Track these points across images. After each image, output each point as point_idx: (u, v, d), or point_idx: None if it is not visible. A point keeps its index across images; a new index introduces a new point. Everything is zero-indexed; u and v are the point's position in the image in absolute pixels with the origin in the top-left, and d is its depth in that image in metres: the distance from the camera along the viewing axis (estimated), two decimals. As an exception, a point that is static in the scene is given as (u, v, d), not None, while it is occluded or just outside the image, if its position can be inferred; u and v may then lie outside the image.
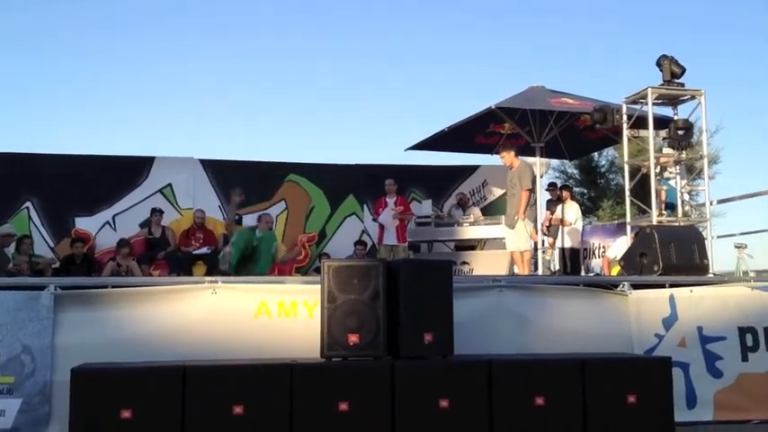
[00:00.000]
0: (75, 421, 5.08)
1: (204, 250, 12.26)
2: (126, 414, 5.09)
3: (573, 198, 13.40)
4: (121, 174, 13.24)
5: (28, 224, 12.68)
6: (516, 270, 10.59)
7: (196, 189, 13.53)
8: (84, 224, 12.94)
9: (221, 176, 13.70)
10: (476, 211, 13.53)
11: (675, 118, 10.57)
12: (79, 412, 5.09)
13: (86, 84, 33.78)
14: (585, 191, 24.03)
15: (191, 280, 6.80)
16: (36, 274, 10.68)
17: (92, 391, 5.13)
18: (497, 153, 12.97)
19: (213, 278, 6.53)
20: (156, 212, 12.74)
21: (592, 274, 12.19)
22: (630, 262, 8.00)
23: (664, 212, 10.62)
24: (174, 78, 35.19)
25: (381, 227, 12.39)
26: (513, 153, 10.35)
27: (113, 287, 6.35)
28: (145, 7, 33.64)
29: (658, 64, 10.25)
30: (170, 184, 13.44)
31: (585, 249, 13.28)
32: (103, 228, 13.03)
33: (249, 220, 13.07)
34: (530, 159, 13.36)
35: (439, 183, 14.78)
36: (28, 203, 12.81)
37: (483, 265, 11.97)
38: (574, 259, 12.47)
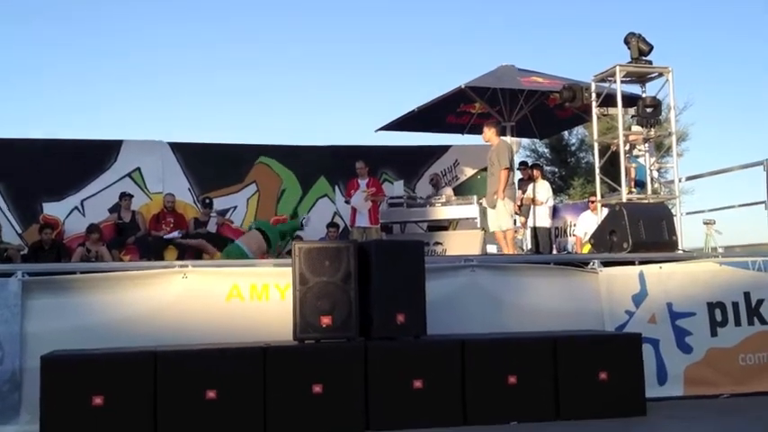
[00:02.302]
0: (47, 409, 5.05)
1: (175, 234, 12.15)
2: (98, 401, 5.07)
3: (544, 177, 13.47)
4: (89, 158, 13.05)
5: (-5, 210, 12.50)
6: (497, 249, 10.58)
7: (165, 173, 13.38)
8: (52, 210, 12.75)
9: (191, 159, 13.57)
10: (448, 191, 13.54)
11: (644, 95, 10.62)
12: (50, 400, 5.05)
13: (53, 68, 33.33)
14: (556, 169, 24.21)
15: (161, 264, 6.74)
16: (4, 262, 10.54)
17: (62, 379, 5.09)
18: (476, 132, 12.96)
19: (184, 262, 6.49)
20: (126, 197, 12.59)
21: (564, 253, 12.27)
22: (600, 240, 8.06)
23: (633, 190, 10.68)
24: (141, 61, 34.80)
25: (353, 209, 12.35)
26: (494, 131, 10.24)
27: (83, 273, 6.28)
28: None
29: (626, 42, 10.27)
30: (139, 168, 13.28)
31: (557, 228, 13.36)
32: (72, 213, 12.85)
33: (219, 203, 13.05)
34: (505, 139, 13.39)
35: (410, 163, 14.76)
36: (-6, 189, 12.61)
37: (455, 244, 11.98)
38: (545, 238, 12.55)
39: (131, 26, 34.38)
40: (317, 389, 5.38)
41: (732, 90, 33.72)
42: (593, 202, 11.81)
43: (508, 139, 13.43)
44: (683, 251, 8.61)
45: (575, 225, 12.88)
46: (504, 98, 13.08)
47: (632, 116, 10.81)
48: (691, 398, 6.71)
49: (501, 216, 9.94)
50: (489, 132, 10.25)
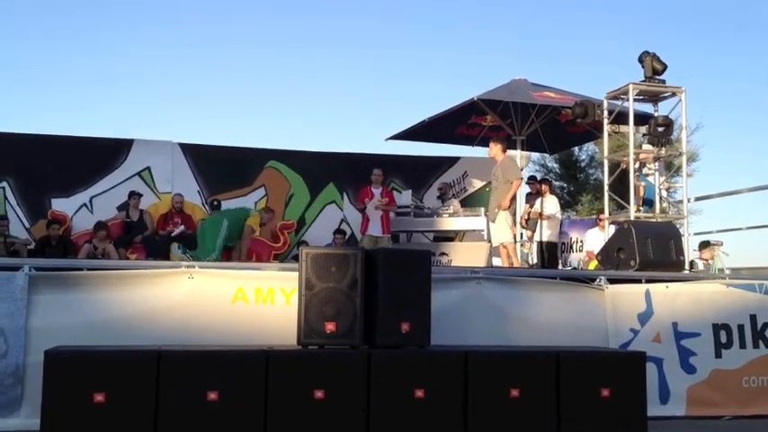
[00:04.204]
0: (48, 403, 5.03)
1: (182, 229, 12.17)
2: (99, 397, 5.05)
3: (552, 192, 13.45)
4: (100, 156, 13.09)
5: (4, 204, 12.52)
6: (498, 263, 10.57)
7: (175, 173, 13.42)
8: (60, 206, 12.80)
9: (200, 161, 13.61)
10: (455, 203, 13.55)
11: (656, 114, 10.62)
12: (52, 395, 5.04)
13: (67, 64, 33.46)
14: (565, 185, 24.16)
15: (168, 264, 6.77)
16: (11, 255, 10.57)
17: (65, 374, 5.08)
18: (486, 144, 12.97)
19: (190, 263, 6.51)
20: (135, 196, 12.63)
21: (570, 268, 12.25)
22: (608, 257, 8.05)
23: (641, 208, 10.68)
24: (155, 62, 34.93)
25: (366, 217, 12.33)
26: (500, 147, 10.31)
27: (89, 270, 6.30)
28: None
29: (640, 60, 10.28)
30: (149, 168, 13.32)
31: (564, 243, 13.35)
32: (80, 210, 12.89)
33: (227, 205, 13.05)
34: (510, 152, 13.40)
35: (419, 173, 14.76)
36: (4, 183, 12.63)
37: (462, 256, 11.99)
38: (552, 253, 12.53)
39: (145, 27, 34.52)
40: (319, 394, 5.36)
41: (743, 112, 33.66)
42: (601, 219, 11.79)
43: (518, 152, 13.47)
44: (690, 271, 8.60)
45: (581, 241, 12.87)
46: (515, 112, 13.10)
47: (643, 135, 10.81)
48: (693, 418, 6.69)
49: (501, 229, 9.97)
50: (495, 148, 10.31)
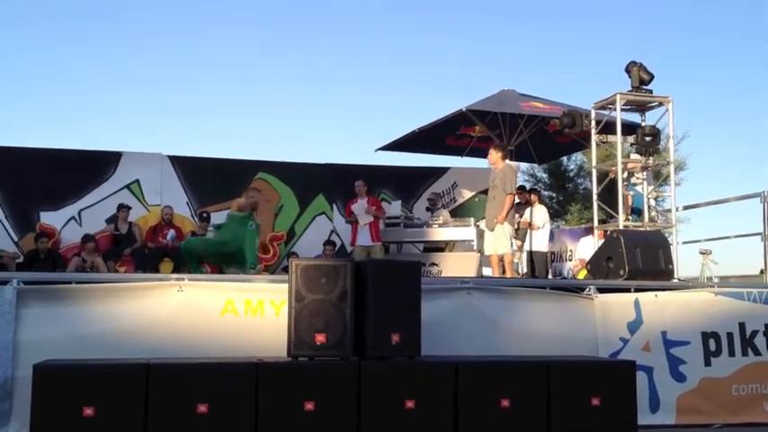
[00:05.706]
0: (37, 418, 5.01)
1: (172, 234, 12.14)
2: (88, 411, 5.03)
3: (541, 201, 13.48)
4: (89, 169, 13.05)
5: (-8, 218, 12.48)
6: (490, 273, 10.55)
7: (164, 185, 13.40)
8: (48, 219, 12.74)
9: (190, 173, 13.59)
10: (444, 213, 13.56)
11: (643, 124, 10.66)
12: (41, 409, 5.02)
13: (56, 76, 33.39)
14: (554, 195, 24.22)
15: (157, 277, 6.74)
16: (-1, 269, 10.52)
17: (54, 388, 5.06)
18: (475, 155, 12.85)
19: (179, 275, 6.50)
20: (123, 208, 12.59)
21: (560, 278, 12.26)
22: (597, 266, 8.07)
23: (630, 217, 10.71)
24: (144, 73, 34.88)
25: (354, 228, 12.29)
26: (501, 154, 10.22)
27: (78, 283, 6.28)
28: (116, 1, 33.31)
29: (627, 70, 10.32)
30: (137, 180, 13.29)
31: (553, 253, 13.37)
32: (69, 223, 12.84)
33: (217, 218, 13.02)
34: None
35: (409, 184, 14.78)
36: (-8, 196, 12.60)
37: (451, 266, 11.99)
38: (541, 262, 12.54)
39: (133, 37, 34.50)
40: (309, 406, 5.35)
41: (730, 121, 33.87)
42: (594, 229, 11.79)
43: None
44: (679, 280, 8.63)
45: (572, 250, 12.89)
46: (504, 122, 13.11)
47: (631, 144, 10.84)
48: (683, 427, 6.71)
49: (499, 240, 9.93)
50: (496, 155, 10.22)
